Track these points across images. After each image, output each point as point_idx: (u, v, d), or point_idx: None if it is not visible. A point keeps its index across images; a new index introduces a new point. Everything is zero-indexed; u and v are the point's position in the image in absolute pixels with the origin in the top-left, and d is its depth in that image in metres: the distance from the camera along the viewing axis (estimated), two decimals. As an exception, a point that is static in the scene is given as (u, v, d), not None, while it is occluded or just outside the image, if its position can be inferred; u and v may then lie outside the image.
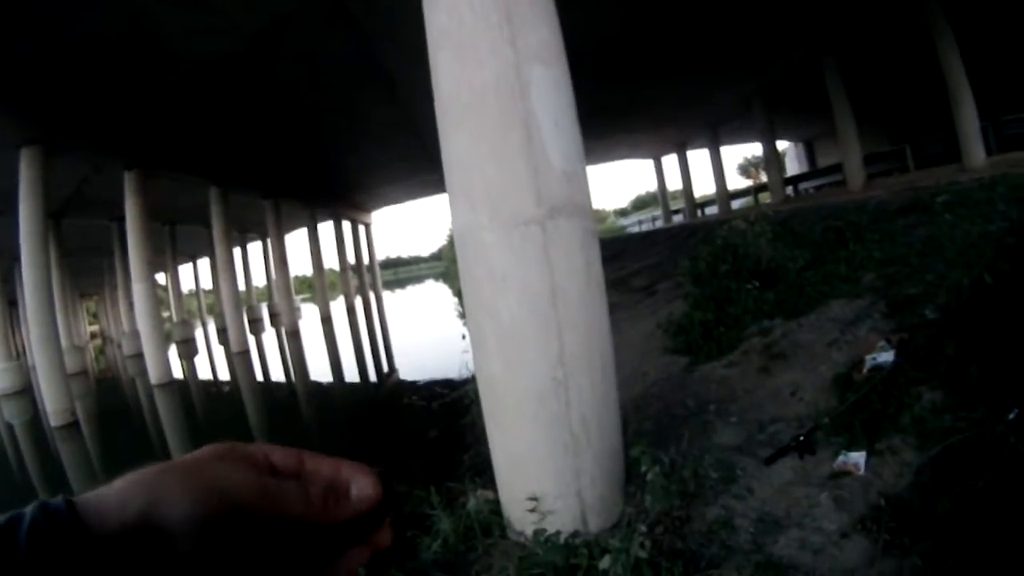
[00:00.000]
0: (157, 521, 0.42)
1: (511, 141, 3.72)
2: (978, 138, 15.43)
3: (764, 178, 31.52)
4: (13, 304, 31.06)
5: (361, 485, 0.50)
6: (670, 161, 34.96)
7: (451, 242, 44.45)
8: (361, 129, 20.80)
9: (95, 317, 67.22)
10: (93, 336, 60.11)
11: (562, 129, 3.85)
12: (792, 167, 38.24)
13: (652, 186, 52.67)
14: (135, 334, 25.50)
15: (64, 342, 18.45)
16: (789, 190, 26.54)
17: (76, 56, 12.37)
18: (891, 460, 3.84)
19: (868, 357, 4.98)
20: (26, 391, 21.20)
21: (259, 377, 20.64)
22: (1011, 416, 3.37)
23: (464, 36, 3.88)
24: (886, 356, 4.85)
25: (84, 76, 13.33)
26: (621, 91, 19.42)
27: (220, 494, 0.44)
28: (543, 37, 3.93)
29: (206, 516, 0.43)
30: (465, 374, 8.73)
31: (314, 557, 0.49)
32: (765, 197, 29.28)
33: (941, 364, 4.33)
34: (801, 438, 4.41)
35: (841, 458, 4.03)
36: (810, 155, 37.41)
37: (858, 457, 3.95)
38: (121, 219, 21.45)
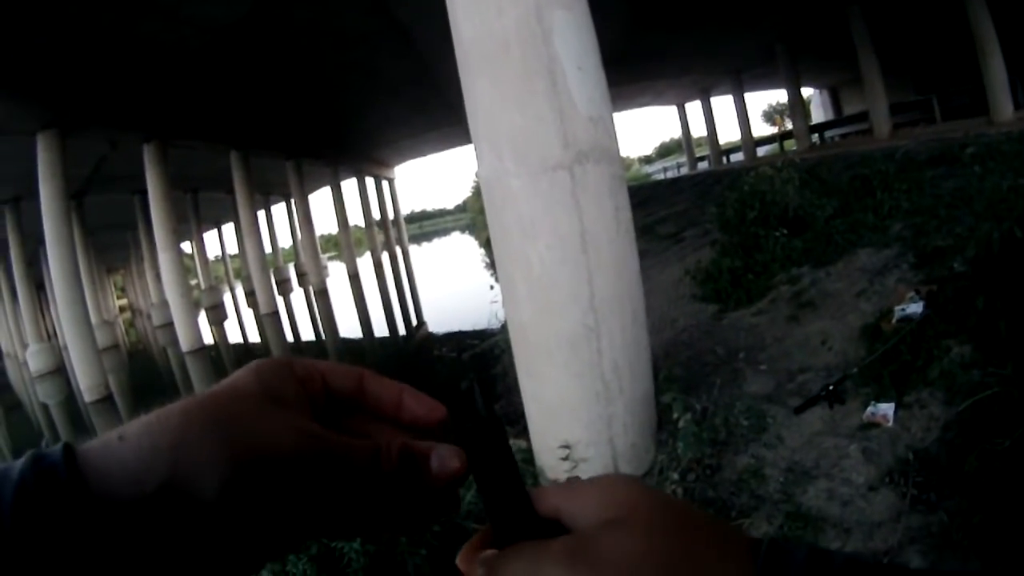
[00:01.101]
0: (177, 482, 0.36)
1: (535, 87, 3.69)
2: (1006, 91, 15.05)
3: (789, 125, 30.94)
4: (41, 287, 31.52)
5: (444, 456, 0.43)
6: (694, 108, 34.40)
7: (476, 193, 44.39)
8: (379, 85, 20.67)
9: (123, 291, 68.16)
10: (122, 310, 60.95)
11: (586, 73, 3.80)
12: (817, 115, 37.57)
13: (676, 133, 52.03)
14: (164, 304, 25.86)
15: (94, 318, 18.78)
16: (815, 138, 26.12)
17: (86, 34, 12.37)
18: (919, 413, 3.83)
19: (897, 308, 4.94)
20: (60, 371, 21.67)
21: (289, 337, 20.88)
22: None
23: None
24: (915, 307, 4.81)
25: (94, 54, 13.34)
26: (643, 37, 19.09)
27: (257, 450, 0.38)
28: None
29: (237, 475, 0.37)
30: (495, 324, 8.78)
31: (366, 522, 0.44)
32: (790, 145, 28.86)
33: (970, 318, 4.28)
34: (831, 388, 4.41)
35: (870, 409, 4.03)
36: (835, 103, 36.71)
37: (887, 409, 3.94)
38: (143, 192, 21.57)
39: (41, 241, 16.19)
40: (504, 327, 5.15)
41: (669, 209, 14.90)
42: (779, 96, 65.25)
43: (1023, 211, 5.18)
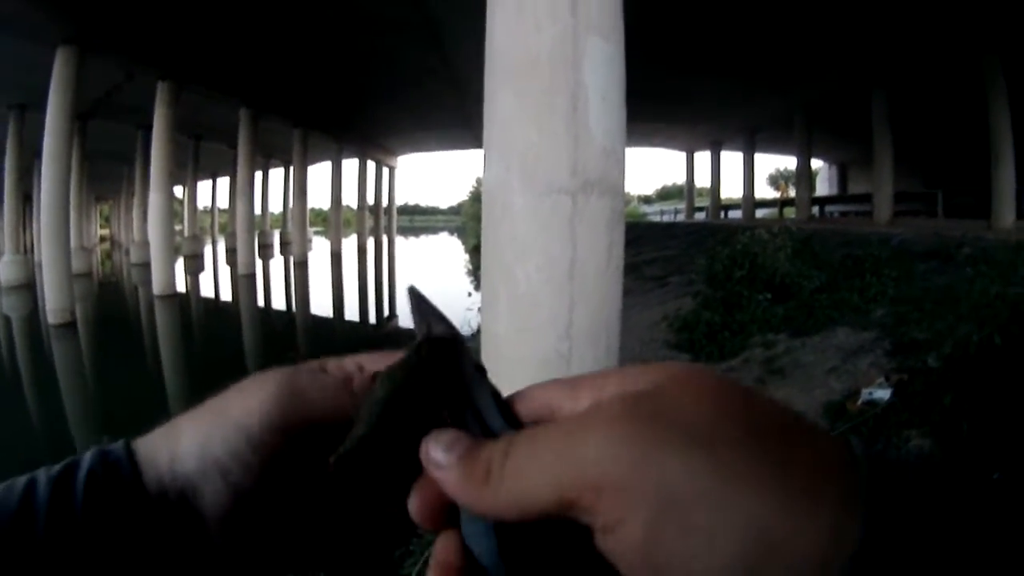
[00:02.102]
0: (208, 490, 0.38)
1: (556, 108, 3.70)
2: (1011, 199, 15.30)
3: (792, 193, 31.26)
4: (28, 199, 31.18)
5: None
6: (702, 158, 34.76)
7: (474, 199, 44.40)
8: (400, 73, 20.70)
9: (107, 221, 67.65)
10: (102, 240, 60.43)
11: (609, 104, 3.82)
12: (822, 188, 37.99)
13: (680, 179, 52.49)
14: (144, 243, 25.68)
15: (73, 242, 18.59)
16: (815, 210, 26.39)
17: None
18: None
19: (865, 391, 4.98)
20: (29, 286, 21.43)
21: (260, 302, 20.75)
22: (994, 478, 3.37)
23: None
24: (882, 393, 4.85)
25: None
26: (666, 78, 19.24)
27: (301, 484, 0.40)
28: (605, 9, 3.89)
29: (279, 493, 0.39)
30: (466, 331, 8.75)
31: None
32: (789, 212, 29.14)
33: (935, 413, 4.33)
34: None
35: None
36: (842, 179, 37.15)
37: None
38: (147, 127, 21.48)
39: (38, 154, 16.04)
40: (476, 335, 5.15)
41: (660, 252, 15.00)
42: (787, 162, 66.04)
43: (1007, 319, 5.25)
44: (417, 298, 0.42)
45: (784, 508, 0.23)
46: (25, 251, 26.18)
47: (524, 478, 0.27)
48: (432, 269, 32.55)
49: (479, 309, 4.50)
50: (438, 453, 0.31)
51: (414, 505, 0.33)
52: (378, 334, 15.43)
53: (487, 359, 4.33)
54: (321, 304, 20.56)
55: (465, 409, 0.35)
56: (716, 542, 0.23)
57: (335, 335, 15.86)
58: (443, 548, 0.33)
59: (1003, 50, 14.70)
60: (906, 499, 0.23)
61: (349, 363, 0.45)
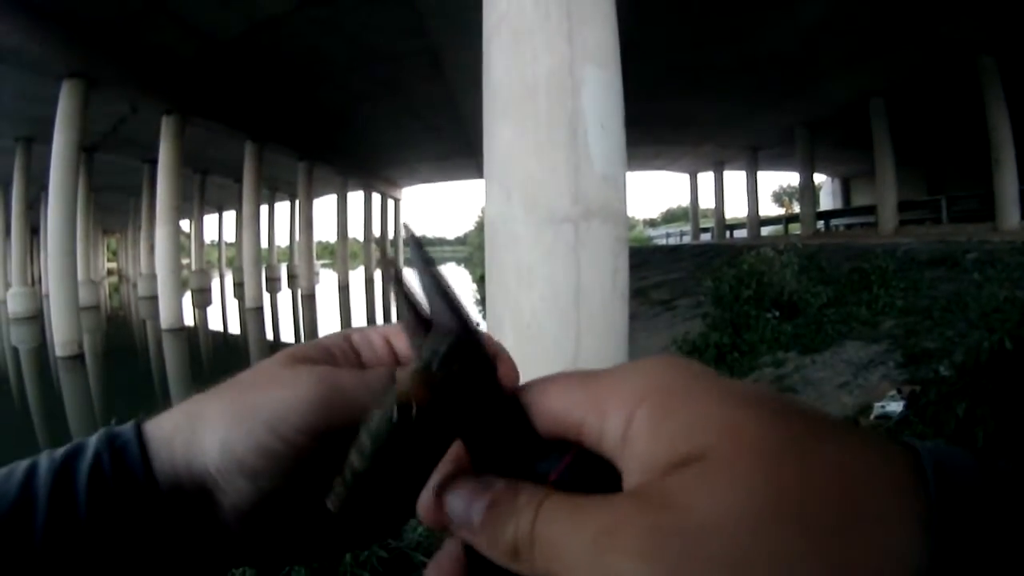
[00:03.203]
0: (219, 474, 0.35)
1: (556, 138, 3.73)
2: (1015, 201, 15.28)
3: (796, 209, 31.26)
4: (35, 231, 31.39)
5: None
6: (706, 179, 34.83)
7: (478, 229, 44.56)
8: (401, 104, 20.86)
9: (114, 255, 68.01)
10: (110, 273, 60.83)
11: (608, 132, 3.84)
12: (826, 202, 38.00)
13: (684, 201, 52.54)
14: (152, 276, 25.75)
15: (80, 275, 18.64)
16: (820, 224, 26.37)
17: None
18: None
19: (877, 404, 4.94)
20: (36, 318, 21.41)
21: (269, 335, 20.75)
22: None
23: (522, 27, 3.86)
24: (895, 406, 4.81)
25: (131, 18, 13.53)
26: (666, 102, 19.36)
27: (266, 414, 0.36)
28: (600, 38, 3.93)
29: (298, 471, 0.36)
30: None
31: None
32: (794, 228, 29.12)
33: (949, 423, 4.29)
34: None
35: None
36: (845, 193, 37.17)
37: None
38: (153, 161, 21.64)
39: (45, 187, 16.19)
40: None
41: (666, 275, 14.98)
42: (791, 179, 66.14)
43: (1016, 323, 5.21)
44: (422, 265, 0.33)
45: None
46: (32, 283, 26.33)
47: (554, 560, 0.25)
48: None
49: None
50: (458, 510, 0.29)
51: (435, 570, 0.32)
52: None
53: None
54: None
55: (481, 431, 0.31)
56: None
57: None
58: (448, 556, 0.31)
59: (998, 51, 14.76)
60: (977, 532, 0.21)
61: (375, 336, 0.42)
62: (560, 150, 3.72)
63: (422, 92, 19.18)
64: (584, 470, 0.28)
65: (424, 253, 0.33)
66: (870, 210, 22.46)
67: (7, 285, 24.63)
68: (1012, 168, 15.21)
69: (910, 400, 4.86)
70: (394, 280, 0.34)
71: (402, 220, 54.56)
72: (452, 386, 0.30)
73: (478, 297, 21.26)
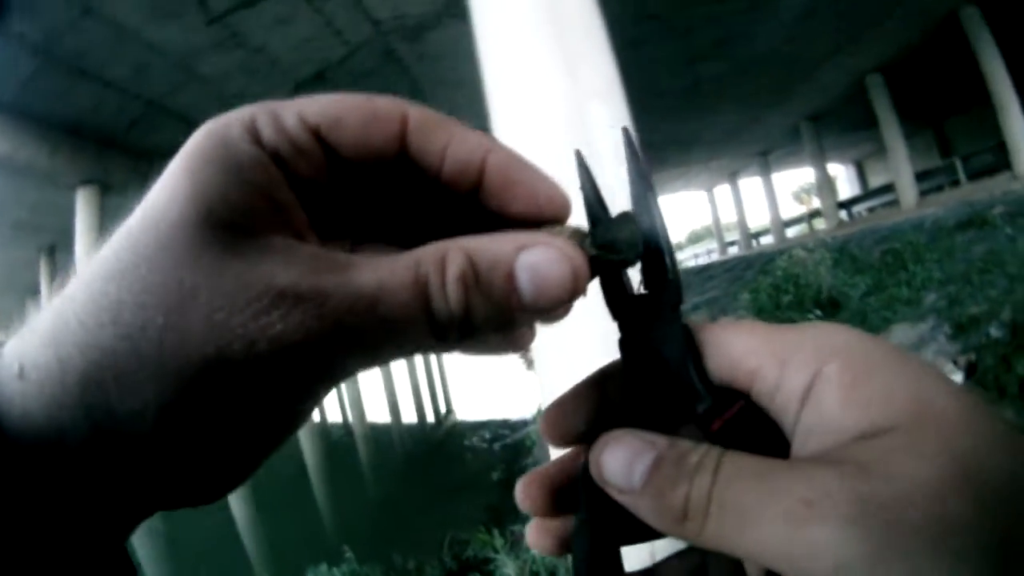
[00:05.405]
0: (101, 431, 0.24)
1: (566, 176, 3.83)
2: (1028, 144, 15.04)
3: (816, 203, 30.93)
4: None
5: (542, 262, 0.26)
6: (723, 192, 34.75)
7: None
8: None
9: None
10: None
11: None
12: (846, 190, 37.58)
13: (705, 220, 52.15)
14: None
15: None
16: (843, 214, 26.10)
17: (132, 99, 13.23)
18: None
19: (937, 382, 4.93)
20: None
21: (316, 417, 20.73)
22: None
23: (522, 76, 3.97)
24: (955, 379, 4.79)
25: (139, 120, 14.28)
26: (669, 123, 19.54)
27: (202, 352, 0.23)
28: (603, 74, 4.04)
29: (183, 396, 0.24)
30: (528, 413, 8.63)
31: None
32: (819, 223, 28.83)
33: (1011, 384, 4.28)
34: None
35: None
36: (861, 176, 36.78)
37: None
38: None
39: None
40: (537, 417, 5.17)
41: (700, 296, 14.92)
42: (807, 175, 65.58)
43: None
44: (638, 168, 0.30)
45: None
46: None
47: (739, 530, 0.24)
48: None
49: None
50: (615, 472, 0.26)
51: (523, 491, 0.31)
52: (437, 434, 15.33)
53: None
54: (375, 410, 20.44)
55: (647, 353, 0.29)
56: None
57: (396, 441, 15.66)
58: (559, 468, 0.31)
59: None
60: None
61: (297, 121, 0.27)
62: (571, 189, 3.82)
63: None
64: (748, 423, 0.28)
65: (641, 165, 0.31)
66: (888, 188, 22.22)
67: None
68: (1017, 110, 14.95)
69: (968, 370, 4.85)
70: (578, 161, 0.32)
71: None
72: (608, 268, 0.29)
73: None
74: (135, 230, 0.25)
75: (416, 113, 0.28)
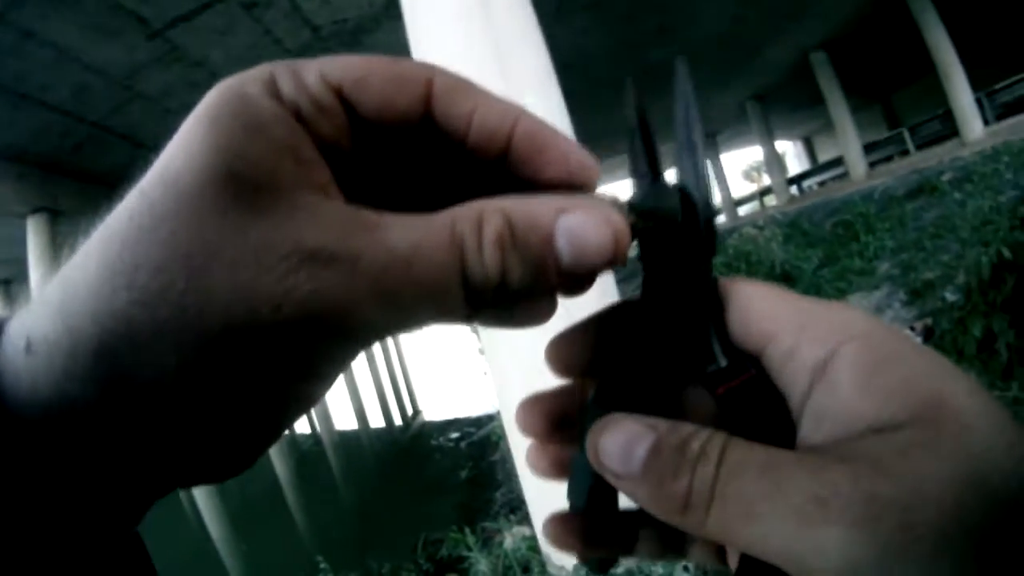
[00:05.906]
0: (113, 403, 0.23)
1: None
2: (974, 111, 15.26)
3: (767, 181, 31.39)
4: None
5: (580, 224, 0.25)
6: (673, 176, 35.10)
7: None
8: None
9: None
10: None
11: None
12: (795, 165, 38.15)
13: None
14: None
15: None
16: (793, 189, 26.42)
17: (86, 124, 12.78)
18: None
19: (895, 348, 4.90)
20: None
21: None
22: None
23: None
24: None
25: (80, 145, 13.75)
26: (613, 112, 19.54)
27: (224, 318, 0.22)
28: (535, 68, 3.96)
29: (202, 362, 0.23)
30: (492, 408, 8.66)
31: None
32: (770, 200, 29.20)
33: (969, 346, 4.25)
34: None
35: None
36: (810, 151, 37.35)
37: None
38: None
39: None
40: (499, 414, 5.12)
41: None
42: (756, 153, 66.69)
43: (1008, 229, 5.18)
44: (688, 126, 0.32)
45: None
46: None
47: (744, 524, 0.22)
48: (442, 350, 32.42)
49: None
50: (613, 457, 0.25)
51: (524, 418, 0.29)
52: (406, 436, 15.27)
53: (510, 435, 4.24)
54: (341, 417, 20.27)
55: (670, 296, 0.28)
56: None
57: (364, 445, 15.66)
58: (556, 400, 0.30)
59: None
60: None
61: (320, 83, 0.26)
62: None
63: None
64: (754, 395, 0.27)
65: (691, 111, 0.31)
66: (838, 162, 22.54)
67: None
68: (962, 78, 15.15)
69: (925, 334, 4.83)
70: (639, 119, 0.33)
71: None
72: (645, 236, 0.28)
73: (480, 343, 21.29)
74: (151, 192, 0.23)
75: (442, 77, 0.27)
